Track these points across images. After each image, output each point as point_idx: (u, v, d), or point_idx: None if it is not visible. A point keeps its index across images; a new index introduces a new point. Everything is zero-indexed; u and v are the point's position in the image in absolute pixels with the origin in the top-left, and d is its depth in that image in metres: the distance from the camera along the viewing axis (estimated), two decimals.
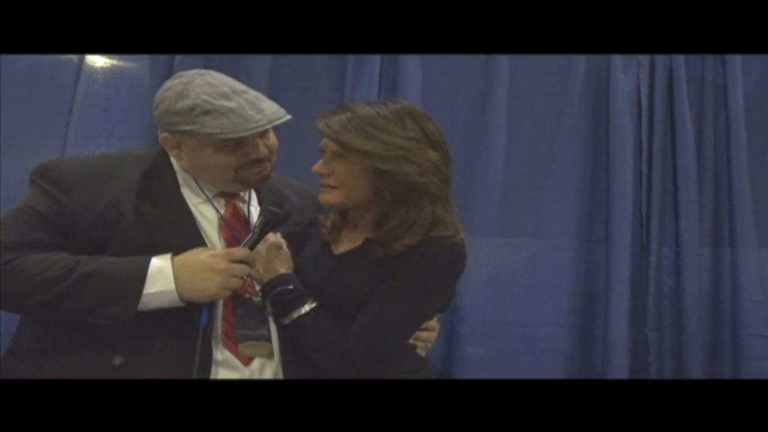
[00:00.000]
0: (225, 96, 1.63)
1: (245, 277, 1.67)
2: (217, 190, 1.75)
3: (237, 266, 1.61)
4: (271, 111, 1.66)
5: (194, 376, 1.56)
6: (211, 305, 1.63)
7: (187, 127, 1.63)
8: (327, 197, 1.69)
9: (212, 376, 1.62)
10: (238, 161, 1.68)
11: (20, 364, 1.64)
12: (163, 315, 1.58)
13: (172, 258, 1.59)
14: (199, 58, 2.34)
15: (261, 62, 2.50)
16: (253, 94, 1.68)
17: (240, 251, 1.63)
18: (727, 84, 2.61)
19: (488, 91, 2.59)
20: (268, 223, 1.69)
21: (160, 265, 1.58)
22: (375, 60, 2.52)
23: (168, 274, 1.57)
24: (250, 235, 1.67)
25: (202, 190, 1.74)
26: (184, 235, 1.66)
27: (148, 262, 1.58)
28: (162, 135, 1.70)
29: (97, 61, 2.51)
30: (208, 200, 1.74)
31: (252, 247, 1.66)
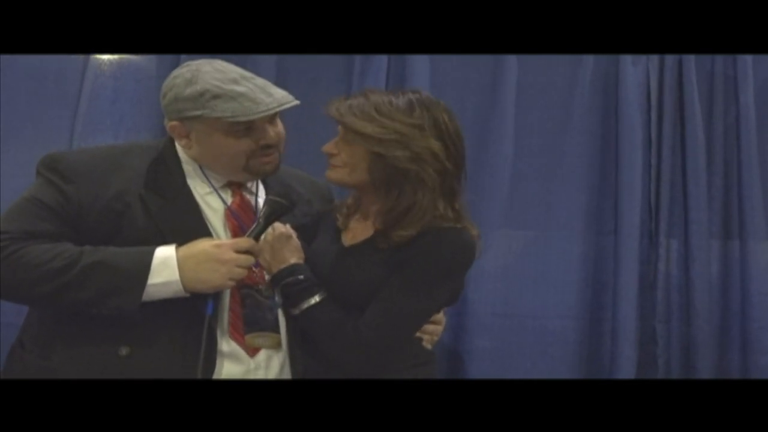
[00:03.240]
0: (234, 81, 1.63)
1: (254, 268, 1.68)
2: (225, 180, 1.75)
3: (242, 257, 1.61)
4: (280, 95, 1.67)
5: (200, 367, 1.57)
6: (217, 295, 1.63)
7: (197, 113, 1.63)
8: (331, 174, 1.72)
9: (217, 368, 1.62)
10: (249, 147, 1.68)
11: (28, 355, 1.65)
12: (169, 306, 1.58)
13: (176, 248, 1.59)
14: None
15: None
16: (261, 80, 1.68)
17: (244, 241, 1.63)
18: (737, 76, 2.60)
19: (497, 83, 2.58)
20: (273, 213, 1.69)
21: (164, 255, 1.58)
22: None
23: (172, 265, 1.57)
24: (255, 225, 1.67)
25: (208, 180, 1.74)
26: (190, 227, 1.66)
27: (152, 253, 1.58)
28: (170, 124, 1.70)
29: (104, 54, 2.51)
30: (215, 191, 1.74)
31: (256, 238, 1.66)
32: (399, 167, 1.62)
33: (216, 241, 1.64)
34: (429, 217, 1.64)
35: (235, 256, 1.60)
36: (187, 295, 1.59)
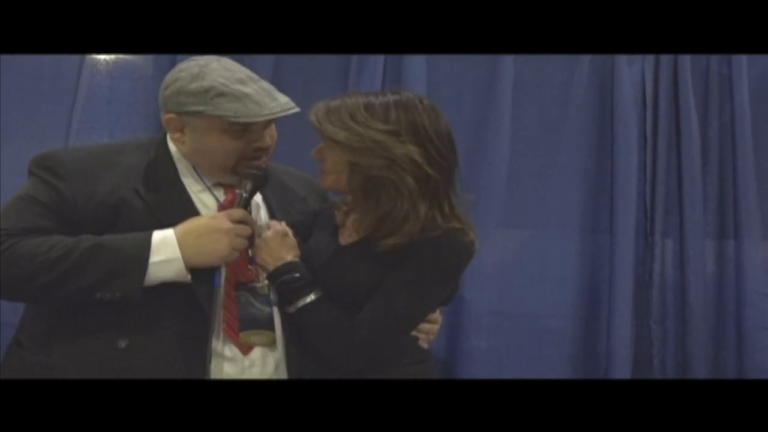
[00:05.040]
0: (241, 81, 1.63)
1: (249, 265, 1.69)
2: (216, 179, 1.75)
3: (239, 226, 1.62)
4: (284, 101, 1.67)
5: (208, 355, 1.58)
6: (220, 271, 1.64)
7: (199, 108, 1.62)
8: (322, 181, 1.72)
9: (212, 366, 1.62)
10: (243, 149, 1.68)
11: (25, 353, 1.64)
12: (167, 296, 1.58)
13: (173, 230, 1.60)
14: None
15: None
16: (266, 83, 1.69)
17: (237, 211, 1.65)
18: (732, 75, 2.61)
19: (493, 82, 2.58)
20: (255, 185, 1.70)
21: (162, 235, 1.59)
22: None
23: (172, 243, 1.58)
24: (238, 198, 1.68)
25: (201, 178, 1.74)
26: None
27: (150, 234, 1.58)
28: (166, 116, 1.69)
29: (101, 54, 2.51)
30: (208, 189, 1.74)
31: (244, 209, 1.67)
32: (374, 175, 1.60)
33: (210, 214, 1.65)
34: (413, 225, 1.61)
35: (233, 225, 1.61)
36: (188, 277, 1.59)
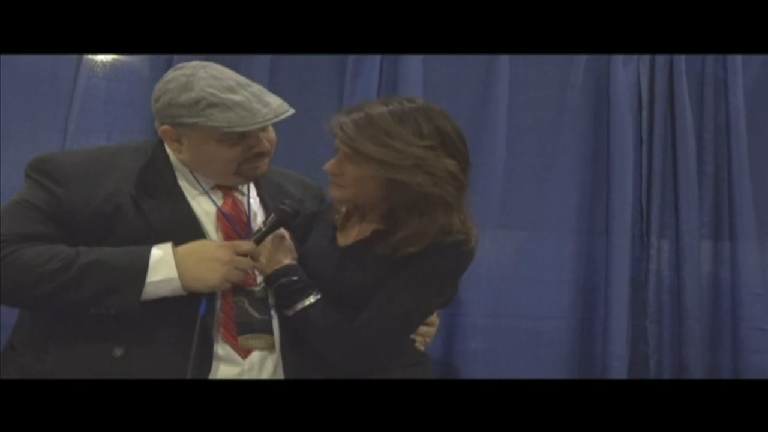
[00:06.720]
0: (231, 89, 1.62)
1: (248, 270, 1.67)
2: (214, 182, 1.75)
3: (242, 259, 1.61)
4: (276, 105, 1.66)
5: (190, 369, 1.56)
6: (211, 296, 1.63)
7: (192, 120, 1.62)
8: (336, 194, 1.70)
9: (212, 370, 1.61)
10: (242, 155, 1.68)
11: (20, 358, 1.64)
12: (164, 306, 1.58)
13: (173, 247, 1.59)
14: None
15: (261, 56, 2.50)
16: (256, 87, 1.67)
17: (246, 244, 1.64)
18: (727, 77, 2.61)
19: (489, 83, 2.58)
20: (279, 221, 1.69)
21: (161, 254, 1.58)
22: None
23: (170, 263, 1.57)
24: (258, 230, 1.68)
25: (198, 182, 1.73)
26: (183, 228, 1.66)
27: (148, 251, 1.58)
28: (162, 128, 1.69)
29: (98, 55, 2.51)
30: (206, 192, 1.73)
31: (258, 242, 1.66)
32: (422, 192, 1.59)
33: (218, 242, 1.64)
34: (439, 232, 1.62)
35: (235, 257, 1.60)
36: (185, 293, 1.58)
